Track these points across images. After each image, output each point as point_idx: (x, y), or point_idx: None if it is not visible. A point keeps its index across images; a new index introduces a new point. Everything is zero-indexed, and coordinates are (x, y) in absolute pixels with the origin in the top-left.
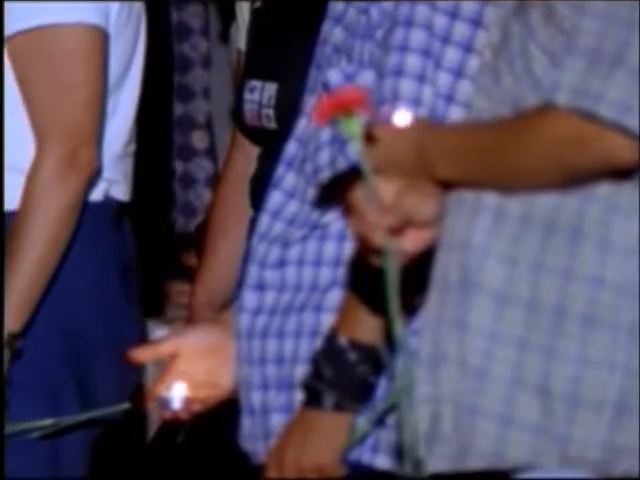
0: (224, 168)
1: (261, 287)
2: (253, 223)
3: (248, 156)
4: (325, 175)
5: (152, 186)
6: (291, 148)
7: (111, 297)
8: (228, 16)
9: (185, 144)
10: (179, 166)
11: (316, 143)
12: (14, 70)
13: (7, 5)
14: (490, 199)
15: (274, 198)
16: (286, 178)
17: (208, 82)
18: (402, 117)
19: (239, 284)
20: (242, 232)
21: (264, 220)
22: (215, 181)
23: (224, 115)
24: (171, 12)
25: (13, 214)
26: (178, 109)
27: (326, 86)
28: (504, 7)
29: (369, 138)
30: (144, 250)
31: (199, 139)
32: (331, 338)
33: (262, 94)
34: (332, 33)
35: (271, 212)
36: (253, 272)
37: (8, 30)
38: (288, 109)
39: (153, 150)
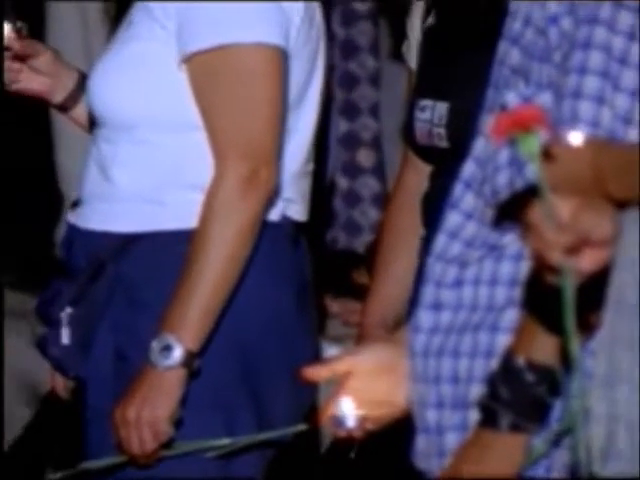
0: (395, 186)
1: (437, 307)
2: (424, 242)
3: (419, 175)
4: (503, 196)
5: (315, 202)
6: (469, 168)
7: (288, 316)
8: (400, 34)
9: (350, 161)
10: (344, 183)
11: (494, 164)
12: (194, 89)
13: (187, 25)
14: None
15: (452, 218)
16: (464, 199)
17: (376, 100)
18: (576, 137)
19: (413, 303)
20: (413, 251)
21: (441, 240)
22: (382, 199)
23: (394, 133)
24: (339, 29)
25: (192, 231)
26: (343, 126)
27: (504, 107)
28: None
29: (547, 156)
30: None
31: (365, 157)
32: (508, 358)
33: (433, 113)
34: (509, 54)
35: (449, 232)
36: (429, 292)
37: (188, 49)
38: (460, 128)
39: (317, 167)
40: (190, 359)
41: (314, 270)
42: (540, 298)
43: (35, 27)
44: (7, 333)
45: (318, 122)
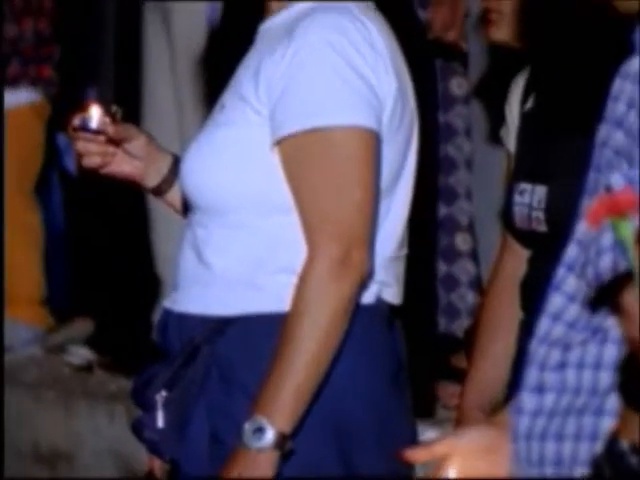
0: (494, 270)
1: (541, 390)
2: (524, 326)
3: (518, 259)
4: (606, 279)
5: (415, 287)
6: (571, 251)
7: (383, 398)
8: (497, 117)
9: (449, 246)
10: (442, 267)
11: (597, 247)
12: (286, 172)
13: (280, 108)
14: None
15: (555, 301)
16: (567, 281)
17: (470, 183)
18: None
19: (514, 386)
20: (512, 335)
21: (544, 323)
22: (478, 283)
23: (487, 217)
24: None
25: (285, 314)
26: (442, 210)
27: (608, 189)
28: None
29: None
30: (408, 351)
31: (462, 241)
32: (612, 442)
33: (532, 196)
34: (612, 136)
35: (551, 315)
36: (532, 374)
37: (280, 132)
38: (559, 212)
39: (416, 251)
40: (282, 441)
41: (416, 354)
42: (635, 383)
43: (131, 109)
44: (102, 415)
45: (412, 206)
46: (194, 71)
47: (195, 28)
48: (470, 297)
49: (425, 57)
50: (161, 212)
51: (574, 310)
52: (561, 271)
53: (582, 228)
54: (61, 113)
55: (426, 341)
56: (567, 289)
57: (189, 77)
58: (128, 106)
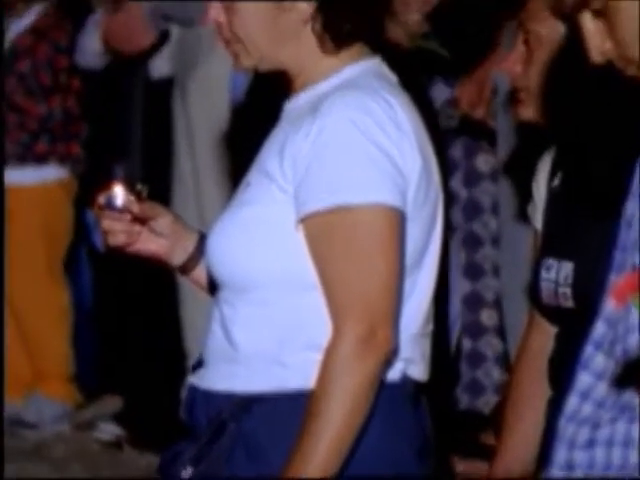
0: (521, 346)
1: (570, 467)
2: (552, 403)
3: (545, 335)
4: (634, 357)
5: (439, 362)
6: (599, 329)
7: (409, 475)
8: (525, 194)
9: (474, 322)
10: (467, 344)
11: (626, 325)
12: (311, 249)
13: (305, 186)
14: None
15: (583, 379)
16: (595, 359)
17: (497, 260)
18: None
19: (543, 463)
20: (540, 412)
21: (572, 401)
22: (505, 359)
23: (514, 293)
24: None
25: (309, 392)
26: (467, 287)
27: (634, 268)
28: None
29: None
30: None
31: (488, 317)
32: None
33: (559, 273)
34: (637, 216)
35: (580, 393)
36: (561, 452)
37: (305, 210)
38: (586, 288)
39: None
40: None
41: (439, 431)
42: None
43: (159, 187)
44: None
45: (437, 283)
46: (216, 147)
47: (217, 106)
48: (496, 373)
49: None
50: (190, 288)
51: (602, 388)
52: (589, 349)
53: (609, 306)
54: (89, 189)
55: (446, 417)
56: (595, 367)
57: (211, 153)
58: (155, 184)
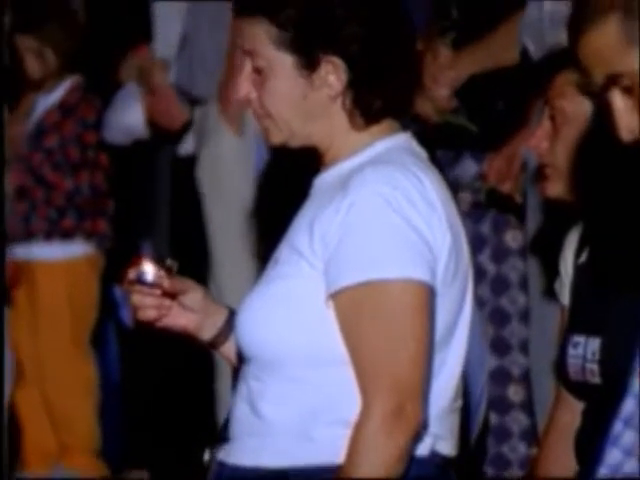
0: (548, 422)
1: None
2: (579, 479)
3: (572, 411)
4: None
5: (464, 437)
6: (629, 406)
7: None
8: (551, 271)
9: (500, 397)
10: (493, 419)
11: None
12: (340, 324)
13: (335, 261)
14: None
15: (612, 456)
16: (624, 436)
17: (526, 336)
18: None
19: None
20: None
21: (602, 477)
22: (531, 435)
23: (542, 369)
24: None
25: (338, 467)
26: (493, 362)
27: None
28: None
29: None
30: None
31: (514, 392)
32: None
33: (586, 349)
34: None
35: (610, 469)
36: None
37: (335, 285)
38: (613, 364)
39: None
40: None
41: None
42: None
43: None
44: None
45: (466, 358)
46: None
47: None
48: (522, 448)
49: None
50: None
51: (631, 465)
52: (618, 425)
53: (638, 382)
54: (116, 265)
55: None
56: (624, 444)
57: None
58: (185, 259)
